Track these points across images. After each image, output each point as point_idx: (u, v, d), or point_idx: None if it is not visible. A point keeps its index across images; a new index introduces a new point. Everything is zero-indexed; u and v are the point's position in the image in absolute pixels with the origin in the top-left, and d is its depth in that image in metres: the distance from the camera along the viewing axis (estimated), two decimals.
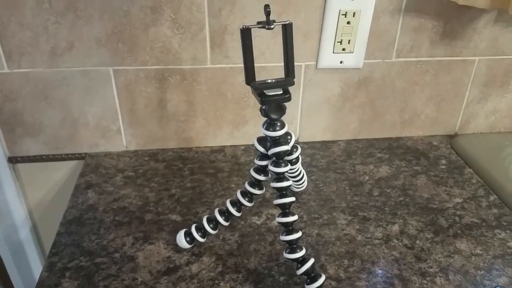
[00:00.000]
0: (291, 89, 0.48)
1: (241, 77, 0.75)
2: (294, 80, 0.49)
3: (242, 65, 0.48)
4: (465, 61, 0.80)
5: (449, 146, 0.85)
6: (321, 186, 0.73)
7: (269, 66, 0.75)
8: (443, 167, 0.79)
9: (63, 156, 0.79)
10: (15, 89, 0.71)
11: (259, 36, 0.71)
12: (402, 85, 0.81)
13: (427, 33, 0.76)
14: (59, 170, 0.81)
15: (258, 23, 0.46)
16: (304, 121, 0.82)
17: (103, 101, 0.75)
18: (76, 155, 0.80)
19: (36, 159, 0.79)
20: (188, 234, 0.59)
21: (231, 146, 0.83)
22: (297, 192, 0.69)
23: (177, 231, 0.60)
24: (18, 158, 0.78)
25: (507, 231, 0.64)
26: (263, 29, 0.46)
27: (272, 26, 0.46)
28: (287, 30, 0.47)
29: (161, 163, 0.78)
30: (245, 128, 0.82)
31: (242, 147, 0.83)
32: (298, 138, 0.84)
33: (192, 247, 0.59)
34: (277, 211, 0.65)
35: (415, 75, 0.80)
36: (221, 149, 0.82)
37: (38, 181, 0.82)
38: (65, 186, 0.82)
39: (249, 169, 0.76)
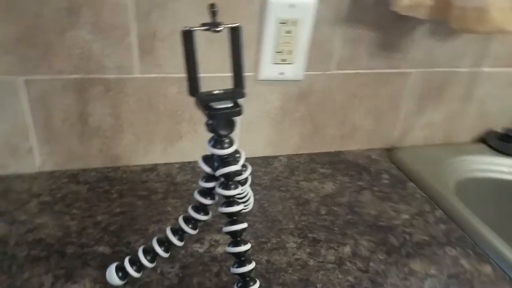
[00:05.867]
0: None
1: (175, 88, 0.68)
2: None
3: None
4: (403, 74, 0.80)
5: (388, 160, 0.84)
6: (266, 206, 0.67)
7: (206, 76, 0.69)
8: (386, 181, 0.77)
9: None
10: None
11: None
12: (342, 98, 0.79)
13: (366, 45, 0.74)
14: None
15: (203, 24, 0.40)
16: (245, 136, 0.77)
17: (12, 115, 0.64)
18: None
19: None
20: (120, 269, 0.50)
21: (164, 164, 0.75)
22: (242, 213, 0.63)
23: (106, 266, 0.51)
24: None
25: (457, 248, 0.62)
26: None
27: (219, 28, 0.40)
28: (236, 34, 0.42)
29: (84, 185, 0.68)
30: (180, 144, 0.74)
31: (177, 165, 0.75)
32: None
33: (125, 284, 0.51)
34: (221, 236, 0.59)
35: (354, 87, 0.79)
36: (154, 168, 0.74)
37: None
38: None
39: (187, 190, 0.69)
